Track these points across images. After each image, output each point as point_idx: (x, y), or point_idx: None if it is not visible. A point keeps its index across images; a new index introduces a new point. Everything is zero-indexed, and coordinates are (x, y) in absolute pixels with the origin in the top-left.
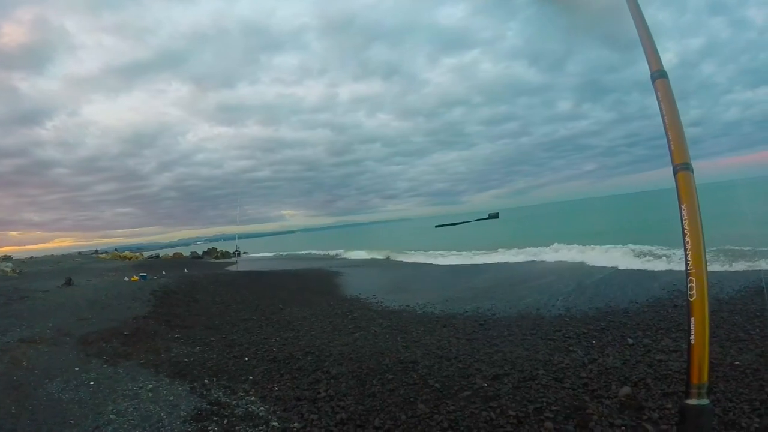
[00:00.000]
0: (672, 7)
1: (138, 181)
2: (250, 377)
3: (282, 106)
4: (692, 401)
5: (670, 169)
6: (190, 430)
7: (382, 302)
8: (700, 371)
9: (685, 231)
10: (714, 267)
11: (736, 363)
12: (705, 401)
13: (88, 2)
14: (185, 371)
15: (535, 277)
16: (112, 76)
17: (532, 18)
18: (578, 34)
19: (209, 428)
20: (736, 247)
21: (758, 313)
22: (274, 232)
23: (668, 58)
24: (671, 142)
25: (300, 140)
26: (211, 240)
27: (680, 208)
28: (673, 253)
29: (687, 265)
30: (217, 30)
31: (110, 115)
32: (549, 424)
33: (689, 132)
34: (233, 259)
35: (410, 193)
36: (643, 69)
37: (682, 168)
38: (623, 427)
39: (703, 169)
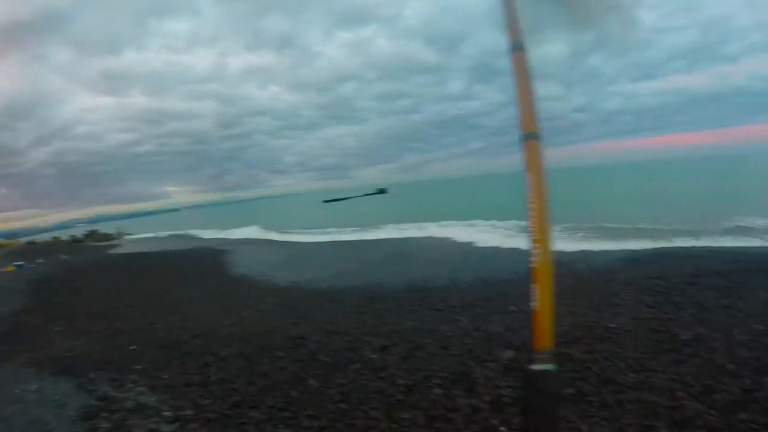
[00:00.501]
0: None
1: (11, 158)
2: (138, 366)
3: (169, 74)
4: (536, 367)
5: (559, 149)
6: (79, 430)
7: (270, 280)
8: (544, 338)
9: (530, 199)
10: (590, 242)
11: (612, 326)
12: (549, 366)
13: None
14: (70, 367)
15: (423, 252)
16: None
17: None
18: (476, 16)
19: (100, 426)
20: (611, 225)
21: (630, 282)
22: (157, 210)
23: (559, 49)
24: (521, 112)
25: (187, 111)
26: (91, 221)
27: (526, 177)
28: (557, 229)
29: (531, 232)
30: None
31: None
32: (438, 390)
33: (573, 117)
34: (115, 242)
35: (299, 168)
36: (537, 53)
37: (530, 137)
38: (508, 389)
39: (585, 151)
